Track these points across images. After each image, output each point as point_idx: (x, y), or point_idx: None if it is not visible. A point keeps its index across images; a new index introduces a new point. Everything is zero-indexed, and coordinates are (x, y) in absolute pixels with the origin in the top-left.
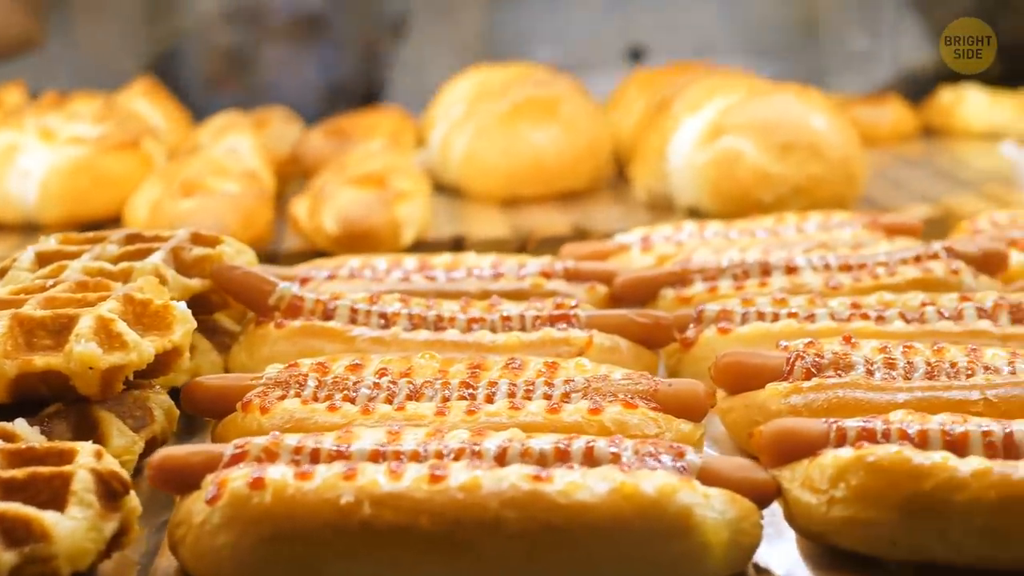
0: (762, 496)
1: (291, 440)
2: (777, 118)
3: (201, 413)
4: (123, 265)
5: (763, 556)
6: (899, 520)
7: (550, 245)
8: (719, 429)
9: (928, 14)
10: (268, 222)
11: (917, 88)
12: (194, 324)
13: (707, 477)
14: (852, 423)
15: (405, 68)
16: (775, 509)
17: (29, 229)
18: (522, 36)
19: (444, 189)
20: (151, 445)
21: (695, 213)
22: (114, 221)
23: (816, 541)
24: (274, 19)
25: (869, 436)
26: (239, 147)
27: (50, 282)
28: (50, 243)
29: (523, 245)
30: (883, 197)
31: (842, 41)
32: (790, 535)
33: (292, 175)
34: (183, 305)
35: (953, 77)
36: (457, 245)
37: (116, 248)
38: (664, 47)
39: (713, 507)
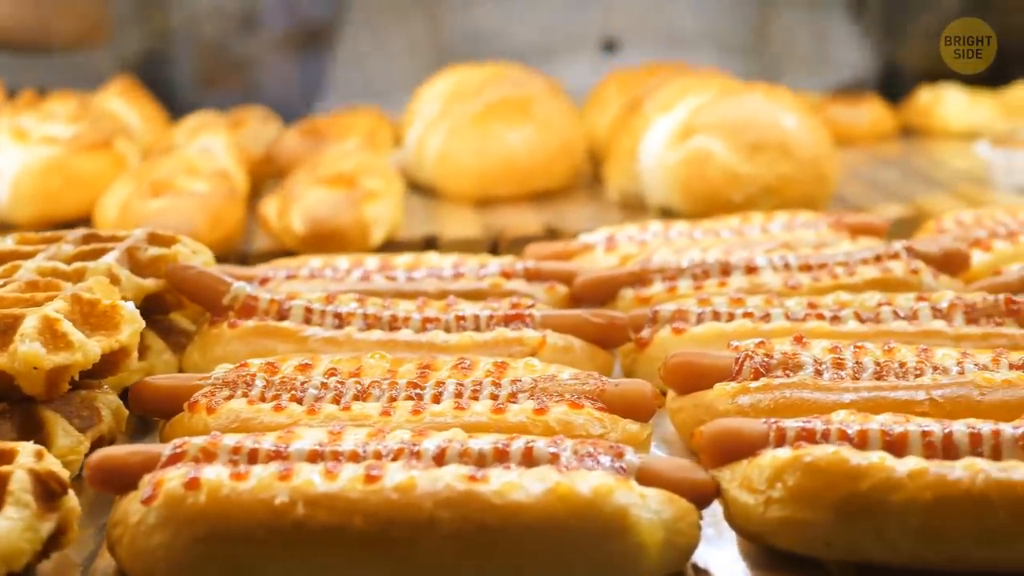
0: (701, 496)
1: (229, 440)
2: (747, 118)
3: (149, 413)
4: (76, 265)
5: (704, 557)
6: (834, 521)
7: (522, 245)
8: (671, 429)
9: (911, 15)
10: (238, 222)
11: (896, 87)
12: (142, 324)
13: (646, 477)
14: (792, 423)
15: (369, 60)
16: (718, 510)
17: (1, 229)
18: (495, 28)
19: (419, 189)
20: (98, 445)
21: (666, 213)
22: (86, 221)
23: (754, 541)
24: (267, 20)
25: (809, 436)
26: (212, 147)
27: (1, 282)
28: (7, 243)
29: (495, 245)
30: (857, 197)
31: (796, 40)
32: (732, 536)
33: (268, 175)
34: (131, 305)
35: (932, 76)
36: (429, 245)
37: (72, 248)
38: (639, 39)
39: (649, 507)
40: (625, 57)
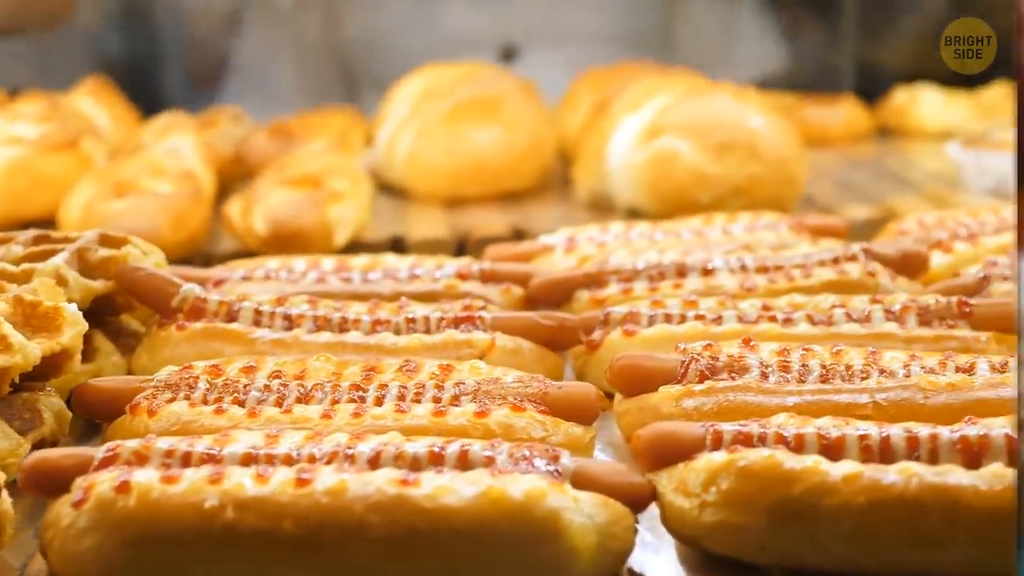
0: (637, 500)
1: (163, 443)
2: (714, 118)
3: (91, 416)
4: (25, 266)
5: (642, 561)
6: (768, 525)
7: (489, 246)
8: (619, 433)
9: (887, 15)
10: (202, 223)
11: (873, 88)
12: (85, 326)
13: (581, 481)
14: (729, 426)
15: (264, 61)
16: (657, 514)
17: None
18: (393, 33)
19: (390, 189)
20: (40, 447)
21: (634, 213)
22: (52, 222)
23: (690, 545)
24: (251, 16)
25: (745, 440)
26: (180, 147)
27: None
28: None
29: (462, 246)
30: (826, 197)
31: (703, 38)
32: (670, 540)
33: (238, 175)
34: (74, 307)
35: (909, 77)
36: (395, 246)
37: (21, 249)
38: (540, 45)
39: (582, 511)
40: (525, 63)
